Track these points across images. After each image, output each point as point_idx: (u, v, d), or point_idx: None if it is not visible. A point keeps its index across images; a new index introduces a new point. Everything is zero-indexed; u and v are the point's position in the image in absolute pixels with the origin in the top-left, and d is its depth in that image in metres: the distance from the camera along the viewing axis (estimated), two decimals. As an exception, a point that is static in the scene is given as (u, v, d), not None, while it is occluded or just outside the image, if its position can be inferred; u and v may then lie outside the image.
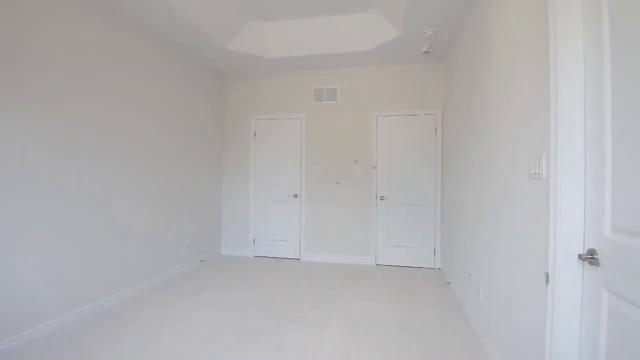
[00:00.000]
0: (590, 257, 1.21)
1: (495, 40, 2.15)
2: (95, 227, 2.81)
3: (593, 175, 1.24)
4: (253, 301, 3.07)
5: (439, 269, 4.18)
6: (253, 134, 4.74)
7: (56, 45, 2.46)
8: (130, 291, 3.14)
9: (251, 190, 4.75)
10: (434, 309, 2.93)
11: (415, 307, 2.97)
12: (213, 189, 4.67)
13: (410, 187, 4.27)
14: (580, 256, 1.25)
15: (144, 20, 3.14)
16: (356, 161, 4.43)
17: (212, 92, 4.61)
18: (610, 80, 1.13)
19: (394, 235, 4.32)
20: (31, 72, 2.30)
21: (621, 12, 1.08)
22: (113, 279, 2.98)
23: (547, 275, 1.38)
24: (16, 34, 2.19)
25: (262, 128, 4.73)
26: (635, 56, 1.02)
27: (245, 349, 2.23)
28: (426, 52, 3.73)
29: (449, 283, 3.57)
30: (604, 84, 1.17)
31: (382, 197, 4.34)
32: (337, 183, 4.48)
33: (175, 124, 3.83)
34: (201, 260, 4.36)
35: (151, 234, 3.47)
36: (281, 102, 4.67)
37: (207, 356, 2.13)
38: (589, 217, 1.26)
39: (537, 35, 1.51)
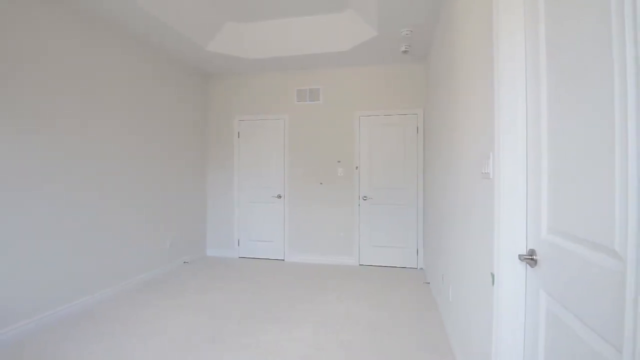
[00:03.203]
0: (529, 258, 1.20)
1: (457, 40, 2.14)
2: (75, 227, 2.81)
3: (534, 174, 1.23)
4: (230, 302, 3.06)
5: (421, 269, 4.17)
6: (237, 134, 4.73)
7: (38, 52, 2.47)
8: (109, 292, 3.14)
9: (235, 191, 4.74)
10: (410, 309, 2.92)
11: (392, 308, 2.95)
12: (198, 190, 4.66)
13: (393, 187, 4.26)
14: (520, 256, 1.24)
15: (123, 24, 3.13)
16: (339, 161, 4.42)
17: (196, 93, 4.60)
18: (546, 85, 1.12)
19: (377, 236, 4.31)
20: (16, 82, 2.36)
21: (557, 22, 1.07)
22: (91, 279, 2.98)
23: (492, 275, 1.37)
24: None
25: (246, 129, 4.72)
26: (564, 62, 1.01)
27: (213, 350, 2.22)
28: (405, 51, 3.71)
29: (429, 283, 3.55)
30: (540, 86, 1.15)
31: (364, 197, 4.33)
32: (320, 183, 4.47)
33: (158, 124, 3.82)
34: (184, 262, 4.35)
35: (133, 235, 3.47)
36: (264, 102, 4.66)
37: (175, 357, 2.12)
38: (531, 217, 1.25)
39: (487, 36, 1.50)
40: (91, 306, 2.92)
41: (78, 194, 2.86)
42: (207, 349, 2.24)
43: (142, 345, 2.28)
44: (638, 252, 0.62)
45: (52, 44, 2.64)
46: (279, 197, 4.59)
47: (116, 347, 2.26)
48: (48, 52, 2.60)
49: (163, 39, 3.54)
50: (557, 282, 1.04)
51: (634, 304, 0.62)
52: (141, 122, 3.59)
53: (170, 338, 2.39)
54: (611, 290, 0.77)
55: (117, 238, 3.28)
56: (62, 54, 2.72)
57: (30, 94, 2.48)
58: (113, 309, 2.89)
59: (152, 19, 3.09)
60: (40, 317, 2.52)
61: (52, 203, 2.63)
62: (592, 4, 0.84)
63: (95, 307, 2.92)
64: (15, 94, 2.38)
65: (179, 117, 4.23)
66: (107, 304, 2.99)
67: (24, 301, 2.42)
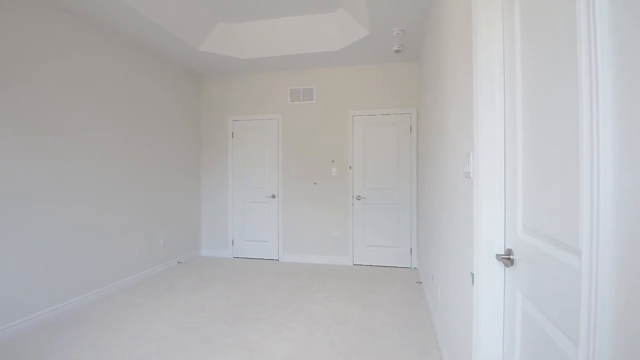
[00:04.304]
0: (505, 258, 1.20)
1: (444, 39, 2.14)
2: (69, 227, 2.83)
3: (512, 173, 1.23)
4: (221, 302, 3.06)
5: (415, 268, 4.17)
6: (231, 135, 4.74)
7: (32, 55, 2.48)
8: (102, 292, 3.15)
9: (230, 191, 4.75)
10: (401, 309, 2.92)
11: (383, 307, 2.96)
12: (192, 190, 4.66)
13: (387, 186, 4.26)
14: (497, 256, 1.24)
15: (115, 26, 3.13)
16: (333, 161, 4.42)
17: (189, 94, 4.61)
18: (521, 85, 1.12)
19: (371, 235, 4.31)
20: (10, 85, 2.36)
21: (531, 29, 1.07)
22: (84, 280, 2.99)
23: (472, 275, 1.37)
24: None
25: (240, 129, 4.73)
26: (536, 66, 1.02)
27: (203, 350, 2.22)
28: (397, 51, 3.72)
29: (421, 283, 3.56)
30: (516, 85, 1.16)
31: (358, 197, 4.33)
32: (314, 183, 4.47)
33: (151, 125, 3.83)
34: (178, 262, 4.35)
35: (126, 235, 3.47)
36: (258, 102, 4.66)
37: (165, 357, 2.13)
38: (509, 217, 1.25)
39: (468, 33, 1.51)
40: (83, 307, 2.93)
41: (71, 194, 2.86)
42: (198, 349, 2.25)
43: (132, 346, 2.29)
44: (591, 247, 0.62)
45: (42, 46, 2.64)
46: (273, 197, 4.60)
47: (106, 347, 2.27)
48: (43, 55, 2.61)
49: (155, 40, 3.54)
50: (530, 281, 1.04)
51: (588, 300, 0.63)
52: (135, 123, 3.60)
53: (160, 339, 2.39)
54: (577, 289, 0.77)
55: (110, 238, 3.29)
56: (55, 57, 2.72)
57: (28, 97, 2.48)
58: (105, 309, 2.90)
59: (144, 20, 3.09)
60: (32, 318, 2.53)
61: (45, 203, 2.63)
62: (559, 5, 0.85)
63: (88, 307, 2.92)
64: (14, 97, 2.39)
65: (172, 117, 4.24)
66: (100, 304, 3.00)
67: (15, 301, 2.43)
